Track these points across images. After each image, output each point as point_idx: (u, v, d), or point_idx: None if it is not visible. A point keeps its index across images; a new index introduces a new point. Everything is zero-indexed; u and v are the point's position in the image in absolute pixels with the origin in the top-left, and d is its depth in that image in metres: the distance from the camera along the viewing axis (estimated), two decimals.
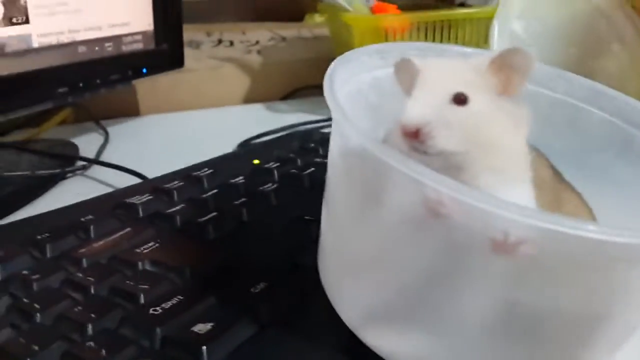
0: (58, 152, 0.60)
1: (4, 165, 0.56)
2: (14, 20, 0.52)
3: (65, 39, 0.57)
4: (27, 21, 0.53)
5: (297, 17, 1.00)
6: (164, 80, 0.77)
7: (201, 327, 0.27)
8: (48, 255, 0.35)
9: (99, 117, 0.74)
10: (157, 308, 0.29)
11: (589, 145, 0.35)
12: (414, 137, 0.24)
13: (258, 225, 0.38)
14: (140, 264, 0.33)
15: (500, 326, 0.24)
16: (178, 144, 0.67)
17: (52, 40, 0.56)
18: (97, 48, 0.60)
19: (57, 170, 0.56)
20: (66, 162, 0.58)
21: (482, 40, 0.65)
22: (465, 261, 0.23)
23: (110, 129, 0.71)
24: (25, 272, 0.33)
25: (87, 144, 0.65)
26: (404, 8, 0.63)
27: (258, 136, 0.66)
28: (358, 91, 0.33)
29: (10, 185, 0.52)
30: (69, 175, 0.58)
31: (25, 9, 0.52)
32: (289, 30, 0.90)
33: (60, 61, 0.57)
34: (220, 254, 0.35)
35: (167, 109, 0.78)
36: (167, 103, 0.78)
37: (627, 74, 0.62)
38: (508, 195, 0.25)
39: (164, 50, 0.67)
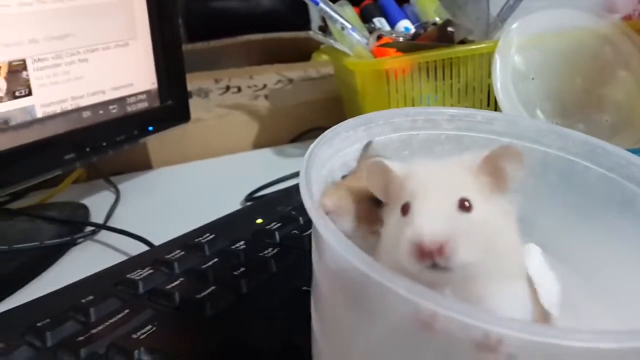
0: (68, 217, 0.61)
1: (15, 236, 0.56)
2: (17, 93, 0.53)
3: (68, 106, 0.58)
4: (29, 93, 0.54)
5: (305, 55, 1.01)
6: (174, 133, 0.77)
7: None
8: (48, 344, 0.35)
9: (112, 173, 0.75)
10: None
11: (588, 203, 0.34)
12: (437, 254, 0.22)
13: (257, 299, 0.38)
14: (136, 352, 0.33)
15: None
16: (187, 198, 0.67)
17: (56, 108, 0.57)
18: (101, 111, 0.61)
19: (67, 238, 0.56)
20: (76, 228, 0.59)
21: (485, 75, 0.64)
22: None
23: (121, 186, 0.71)
24: None
25: (98, 204, 0.66)
26: (403, 50, 0.63)
27: (265, 186, 0.66)
28: (343, 163, 0.32)
29: (20, 259, 0.52)
30: (79, 240, 0.58)
31: (28, 81, 0.54)
32: (295, 72, 0.90)
33: (65, 128, 0.58)
34: (217, 334, 0.34)
35: (178, 160, 0.79)
36: (177, 155, 0.78)
37: (634, 101, 0.60)
38: (505, 296, 0.24)
39: (169, 107, 0.68)
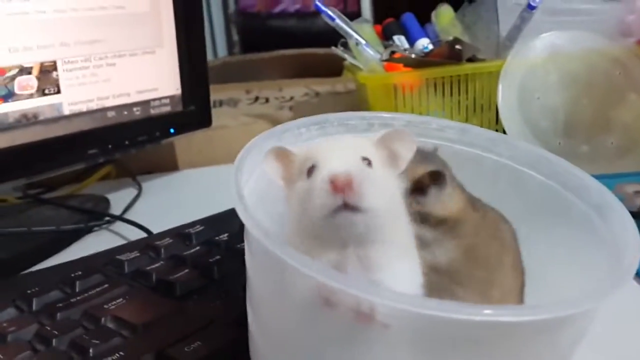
0: (88, 208, 0.66)
1: (37, 220, 0.62)
2: (47, 91, 0.58)
3: (94, 105, 0.63)
4: (58, 91, 0.59)
5: (338, 70, 1.04)
6: (200, 137, 0.82)
7: None
8: (33, 308, 0.39)
9: (140, 172, 0.80)
10: None
11: (532, 209, 0.35)
12: (348, 188, 0.24)
13: (223, 284, 0.41)
14: (103, 319, 0.37)
15: None
16: (205, 198, 0.71)
17: (82, 107, 0.62)
18: (125, 112, 0.66)
19: (81, 225, 0.61)
20: (93, 217, 0.64)
21: (493, 93, 0.65)
22: (358, 335, 0.25)
23: (145, 184, 0.76)
24: (4, 324, 0.37)
25: (119, 199, 0.70)
26: (411, 65, 0.65)
27: None
28: None
29: (38, 240, 0.58)
30: (95, 229, 0.63)
31: (57, 81, 0.59)
32: (323, 86, 0.94)
33: (89, 126, 0.63)
34: (180, 310, 0.37)
35: (203, 163, 0.83)
36: (202, 158, 0.83)
37: None
38: (400, 271, 0.27)
39: (191, 112, 0.72)
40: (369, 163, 0.26)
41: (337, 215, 0.25)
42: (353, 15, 0.90)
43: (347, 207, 0.25)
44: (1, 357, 0.33)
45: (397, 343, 0.24)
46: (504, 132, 0.63)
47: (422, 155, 0.33)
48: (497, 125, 0.67)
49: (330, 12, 0.66)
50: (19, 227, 0.60)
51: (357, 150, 0.27)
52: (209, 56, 0.90)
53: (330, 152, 0.26)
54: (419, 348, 0.24)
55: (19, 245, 0.57)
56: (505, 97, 0.62)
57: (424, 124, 0.37)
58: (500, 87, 0.62)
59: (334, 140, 0.28)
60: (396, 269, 0.26)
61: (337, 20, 0.67)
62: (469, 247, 0.30)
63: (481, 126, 0.68)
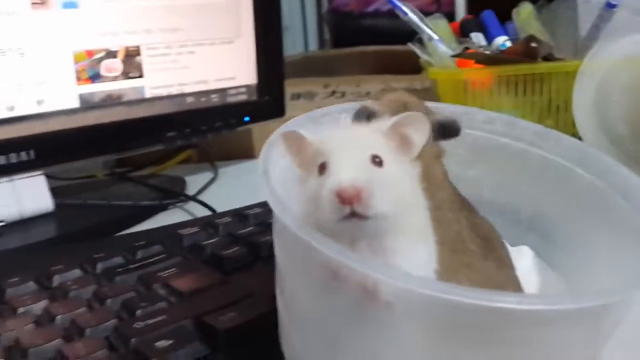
0: (165, 187, 0.70)
1: (119, 195, 0.66)
2: (130, 75, 0.63)
3: (174, 90, 0.67)
4: (141, 76, 0.63)
5: (418, 69, 1.03)
6: (276, 127, 0.84)
7: (162, 343, 0.32)
8: (97, 271, 0.43)
9: (220, 158, 0.84)
10: (141, 323, 0.34)
11: (577, 208, 0.34)
12: (356, 200, 0.24)
13: (269, 262, 0.42)
14: (154, 285, 0.39)
15: None
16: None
17: (163, 91, 0.66)
18: (203, 99, 0.69)
19: (156, 202, 0.65)
20: (168, 195, 0.68)
21: (570, 94, 0.63)
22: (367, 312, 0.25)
23: (221, 170, 0.80)
24: (69, 282, 0.40)
25: (196, 181, 0.74)
26: (483, 62, 0.64)
27: None
28: None
29: (117, 213, 0.62)
30: (169, 207, 0.67)
31: (140, 65, 0.63)
32: (401, 82, 0.93)
33: (169, 109, 0.67)
34: (225, 283, 0.40)
35: None
36: None
37: None
38: (414, 256, 0.27)
39: (266, 102, 0.75)
40: (380, 162, 0.26)
41: (346, 222, 0.25)
42: (448, 16, 0.88)
43: (355, 215, 0.25)
44: (61, 310, 0.37)
45: (405, 323, 0.24)
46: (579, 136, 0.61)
47: None
48: (573, 127, 0.64)
49: (403, 7, 0.66)
50: (101, 199, 0.65)
51: (367, 148, 0.26)
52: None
53: (340, 151, 0.26)
54: (425, 328, 0.24)
55: (99, 216, 0.62)
56: (581, 99, 0.60)
57: (469, 114, 0.37)
58: (576, 88, 0.60)
59: (346, 134, 0.28)
60: (409, 255, 0.26)
61: (410, 15, 0.67)
62: None
63: (556, 128, 0.66)
